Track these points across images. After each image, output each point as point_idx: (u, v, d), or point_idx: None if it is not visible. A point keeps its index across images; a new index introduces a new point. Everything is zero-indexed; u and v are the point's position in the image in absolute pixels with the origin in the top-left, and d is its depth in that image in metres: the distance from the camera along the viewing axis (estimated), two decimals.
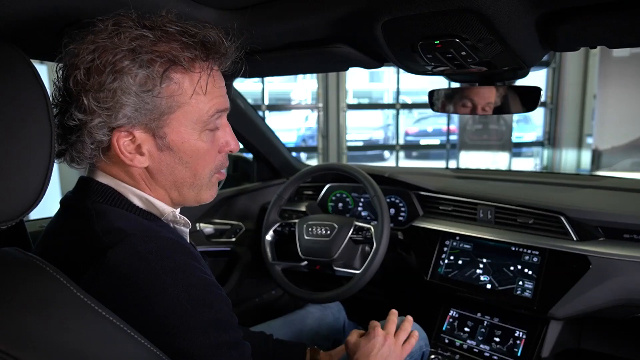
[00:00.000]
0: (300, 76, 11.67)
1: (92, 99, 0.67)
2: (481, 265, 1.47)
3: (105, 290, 0.63)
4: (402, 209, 1.74)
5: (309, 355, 1.21)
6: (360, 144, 10.39)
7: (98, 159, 0.74)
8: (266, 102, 7.27)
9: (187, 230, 0.84)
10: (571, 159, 7.87)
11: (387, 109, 11.32)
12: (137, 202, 0.77)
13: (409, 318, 1.15)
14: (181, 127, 0.74)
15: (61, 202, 0.78)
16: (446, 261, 1.54)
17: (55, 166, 0.65)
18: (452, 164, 7.83)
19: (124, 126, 0.70)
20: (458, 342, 1.47)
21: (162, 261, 0.66)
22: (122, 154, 0.72)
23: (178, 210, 0.84)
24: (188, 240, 0.87)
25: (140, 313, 0.63)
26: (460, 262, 1.51)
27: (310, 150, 8.73)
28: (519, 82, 1.12)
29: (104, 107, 0.67)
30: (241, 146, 1.93)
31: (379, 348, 1.03)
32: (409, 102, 9.85)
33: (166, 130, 0.73)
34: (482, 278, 1.45)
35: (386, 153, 11.18)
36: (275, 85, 13.23)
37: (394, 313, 1.15)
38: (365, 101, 15.78)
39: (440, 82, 5.62)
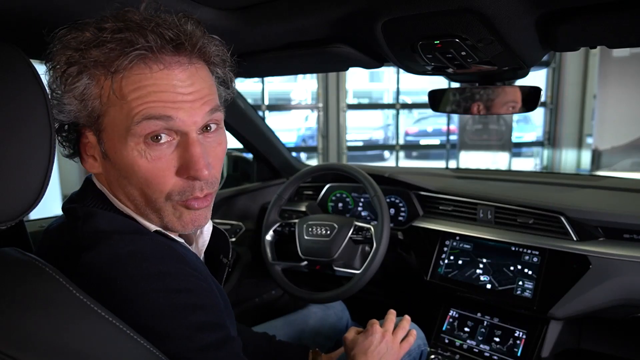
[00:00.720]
0: (300, 76, 11.67)
1: (52, 94, 0.67)
2: (481, 265, 1.47)
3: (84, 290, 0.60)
4: (402, 209, 1.74)
5: (311, 357, 1.21)
6: (360, 144, 10.40)
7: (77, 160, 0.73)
8: (266, 102, 7.28)
9: (182, 240, 0.79)
10: (571, 159, 7.87)
11: (387, 109, 11.32)
12: (125, 206, 0.73)
13: (407, 317, 1.16)
14: (113, 134, 0.66)
15: (62, 204, 0.77)
16: (446, 261, 1.54)
17: (56, 166, 0.65)
18: (452, 164, 7.83)
19: (80, 125, 0.68)
20: (458, 342, 1.47)
21: (142, 265, 0.63)
22: (80, 153, 0.71)
23: None
24: (206, 237, 0.84)
25: (120, 318, 0.60)
26: (460, 262, 1.51)
27: (310, 150, 8.73)
28: (519, 82, 1.12)
29: (57, 102, 0.66)
30: (240, 146, 1.93)
31: (377, 345, 1.04)
32: (409, 102, 9.86)
33: (103, 136, 0.67)
34: (482, 278, 1.45)
35: (386, 153, 11.18)
36: (275, 85, 13.23)
37: (392, 312, 1.15)
38: (365, 101, 15.78)
39: (440, 82, 5.62)
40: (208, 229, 0.87)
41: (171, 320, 0.64)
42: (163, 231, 0.74)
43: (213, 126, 0.72)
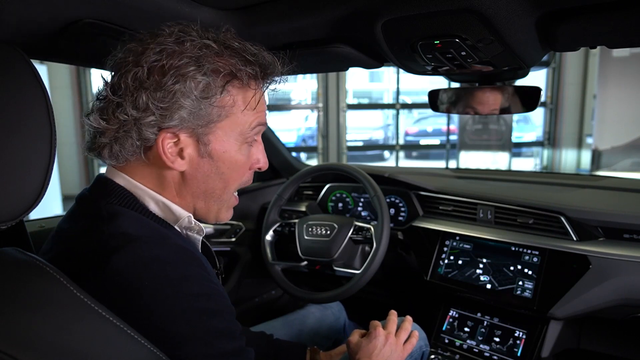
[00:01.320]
0: (300, 76, 11.66)
1: (150, 96, 0.68)
2: (481, 265, 1.47)
3: (107, 295, 0.61)
4: (402, 209, 1.74)
5: (309, 355, 1.21)
6: (360, 144, 10.39)
7: (137, 157, 0.73)
8: (266, 102, 7.27)
9: (200, 238, 0.83)
10: (571, 159, 7.88)
11: (387, 109, 11.32)
12: (152, 206, 0.76)
13: (409, 318, 1.15)
14: (225, 137, 0.76)
15: (77, 199, 0.77)
16: (446, 261, 1.54)
17: (56, 166, 0.65)
18: (452, 164, 7.83)
19: (172, 128, 0.71)
20: (458, 342, 1.47)
21: (165, 269, 0.65)
22: (164, 154, 0.72)
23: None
24: (199, 249, 0.86)
25: (142, 321, 0.62)
26: (460, 262, 1.51)
27: (310, 150, 8.73)
28: (519, 82, 1.12)
29: (161, 106, 0.68)
30: None
31: (381, 348, 1.03)
32: (409, 102, 9.86)
33: (210, 138, 0.74)
34: (482, 278, 1.45)
35: (386, 153, 11.18)
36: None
37: (393, 313, 1.15)
38: (365, 101, 15.78)
39: (440, 82, 5.62)
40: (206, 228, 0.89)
41: (190, 325, 0.65)
42: (193, 223, 0.80)
43: None
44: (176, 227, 0.78)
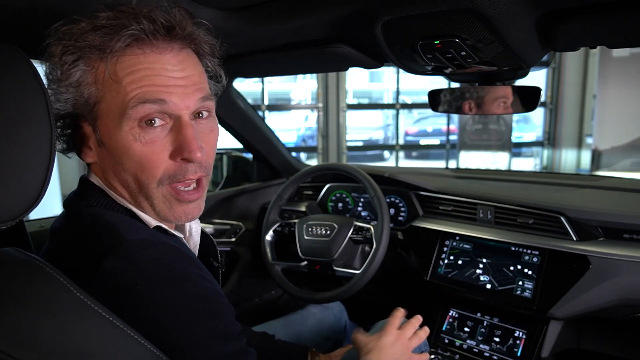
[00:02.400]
0: (300, 76, 11.67)
1: (50, 87, 0.68)
2: (481, 265, 1.47)
3: (99, 297, 0.59)
4: (402, 209, 1.74)
5: (310, 357, 1.21)
6: (360, 144, 10.40)
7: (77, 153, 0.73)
8: (266, 102, 7.28)
9: (182, 235, 0.79)
10: (571, 159, 7.87)
11: (387, 109, 11.32)
12: (125, 196, 0.73)
13: (419, 317, 1.13)
14: (108, 120, 0.67)
15: (63, 204, 0.77)
16: (446, 261, 1.54)
17: (55, 166, 0.65)
18: (452, 164, 7.83)
19: (69, 115, 0.69)
20: (458, 342, 1.47)
21: (160, 270, 0.64)
22: (77, 146, 0.71)
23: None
24: (195, 239, 0.85)
25: (138, 324, 0.60)
26: (460, 262, 1.51)
27: (310, 150, 8.73)
28: (519, 82, 1.12)
29: (57, 94, 0.67)
30: (240, 146, 1.93)
31: (391, 345, 1.01)
32: (409, 102, 9.86)
33: (99, 123, 0.69)
34: (482, 278, 1.45)
35: (386, 153, 11.18)
36: (275, 85, 13.23)
37: (401, 311, 1.12)
38: (365, 101, 15.78)
39: (440, 82, 5.62)
40: (197, 231, 0.86)
41: (188, 327, 0.63)
42: (163, 226, 0.74)
43: (205, 113, 0.74)
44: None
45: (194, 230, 0.86)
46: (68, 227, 0.73)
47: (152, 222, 0.73)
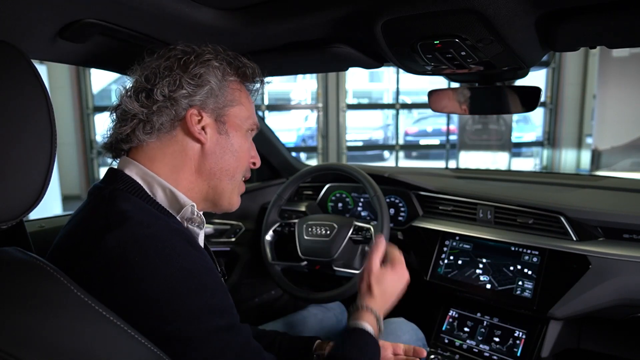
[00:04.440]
0: (300, 76, 11.67)
1: (182, 77, 0.82)
2: (481, 265, 1.47)
3: (100, 272, 0.65)
4: (402, 209, 1.74)
5: (316, 345, 1.18)
6: (360, 144, 10.40)
7: (165, 134, 0.83)
8: (266, 102, 7.29)
9: (200, 232, 0.86)
10: (571, 159, 7.88)
11: (386, 109, 11.32)
12: (159, 193, 0.81)
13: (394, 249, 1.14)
14: (236, 120, 0.90)
15: (89, 190, 0.83)
16: (446, 261, 1.54)
17: (55, 166, 0.65)
18: (452, 164, 7.84)
19: (197, 106, 0.84)
20: (458, 342, 1.47)
21: (156, 244, 0.68)
22: (192, 126, 0.83)
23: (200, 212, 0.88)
24: (201, 243, 0.89)
25: (133, 295, 0.64)
26: (460, 262, 1.51)
27: (310, 150, 8.73)
28: (519, 82, 1.12)
29: (191, 83, 0.82)
30: None
31: (400, 285, 1.07)
32: (409, 102, 9.86)
33: (226, 119, 0.88)
34: (481, 278, 1.45)
35: (386, 153, 11.18)
36: (275, 85, 13.19)
37: (380, 238, 1.13)
38: (365, 101, 15.77)
39: (440, 82, 5.62)
40: (201, 237, 0.90)
41: (182, 300, 0.67)
42: (187, 219, 0.84)
43: None
44: (178, 217, 0.82)
45: (200, 237, 0.90)
46: (86, 209, 0.78)
47: (189, 201, 0.84)
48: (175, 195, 0.82)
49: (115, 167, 0.84)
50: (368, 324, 0.97)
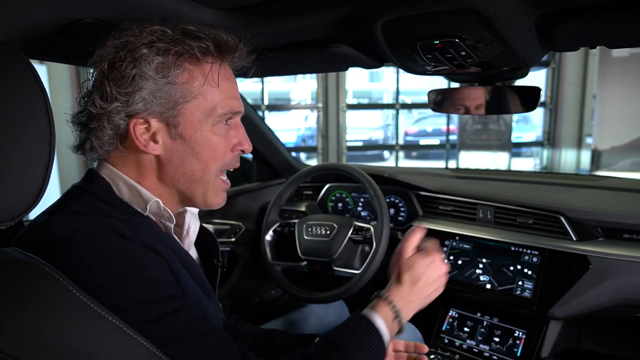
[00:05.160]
0: (300, 76, 11.68)
1: (113, 86, 0.73)
2: (481, 265, 1.47)
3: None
4: (402, 209, 1.74)
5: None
6: (360, 144, 10.40)
7: (115, 147, 0.77)
8: (266, 102, 7.28)
9: (171, 225, 0.83)
10: (571, 159, 7.87)
11: (386, 109, 11.32)
12: (125, 191, 0.79)
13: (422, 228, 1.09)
14: (194, 118, 0.78)
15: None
16: (446, 261, 1.54)
17: (55, 166, 0.65)
18: (452, 164, 7.83)
19: (140, 113, 0.75)
20: (458, 342, 1.47)
21: (86, 240, 0.66)
22: (137, 139, 0.76)
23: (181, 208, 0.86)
24: (191, 237, 0.88)
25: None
26: (460, 262, 1.51)
27: (310, 150, 8.73)
28: (519, 82, 1.12)
29: (123, 92, 0.73)
30: None
31: (435, 276, 0.97)
32: (409, 102, 9.86)
33: (179, 120, 0.77)
34: (481, 278, 1.45)
35: (386, 153, 11.18)
36: (275, 85, 13.23)
37: (420, 228, 1.07)
38: (365, 101, 15.78)
39: (440, 82, 5.62)
40: (194, 230, 0.90)
41: (115, 296, 0.65)
42: (162, 207, 0.80)
43: None
44: (148, 213, 0.80)
45: (191, 230, 0.89)
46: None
47: (152, 197, 0.80)
48: (139, 191, 0.79)
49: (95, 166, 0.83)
50: (379, 317, 0.89)
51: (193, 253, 0.95)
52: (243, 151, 0.86)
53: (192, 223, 0.89)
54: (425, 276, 0.96)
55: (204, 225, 0.96)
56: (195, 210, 0.92)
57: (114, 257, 0.67)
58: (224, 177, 0.87)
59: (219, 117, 0.80)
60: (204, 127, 0.79)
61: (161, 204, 0.80)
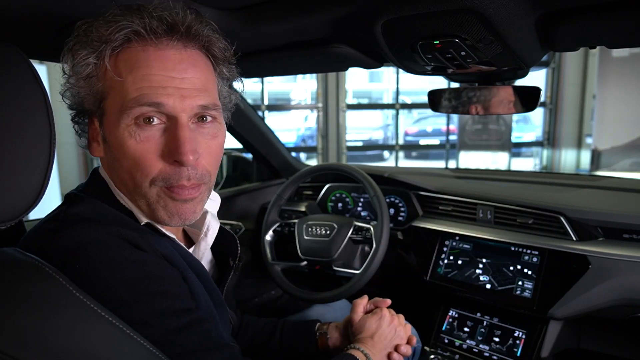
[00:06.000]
0: (300, 76, 11.68)
1: (67, 82, 0.71)
2: (481, 265, 1.47)
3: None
4: (402, 209, 1.74)
5: (319, 327, 1.19)
6: (360, 144, 10.39)
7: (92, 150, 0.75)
8: (266, 102, 7.28)
9: (174, 236, 0.78)
10: (570, 159, 7.88)
11: (386, 109, 11.32)
12: (122, 195, 0.75)
13: (387, 301, 1.14)
14: (111, 116, 0.68)
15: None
16: (446, 261, 1.54)
17: (55, 166, 0.65)
18: (452, 164, 7.83)
19: (83, 112, 0.72)
20: (457, 342, 1.47)
21: (101, 252, 0.64)
22: (88, 140, 0.74)
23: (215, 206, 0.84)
24: (209, 238, 0.85)
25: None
26: (459, 262, 1.51)
27: (310, 150, 8.73)
28: (519, 82, 1.12)
29: (73, 86, 0.70)
30: (240, 146, 1.93)
31: (385, 327, 1.02)
32: (409, 102, 9.86)
33: (104, 119, 0.70)
34: (481, 278, 1.45)
35: (386, 153, 11.18)
36: (275, 85, 13.23)
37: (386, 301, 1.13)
38: (364, 101, 15.78)
39: (440, 82, 5.63)
40: (213, 232, 0.87)
41: (131, 308, 0.64)
42: (154, 224, 0.74)
43: (209, 117, 0.73)
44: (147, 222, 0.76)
45: (210, 232, 0.86)
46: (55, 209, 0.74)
47: (143, 219, 0.74)
48: (132, 210, 0.75)
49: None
50: (356, 354, 0.95)
51: (208, 254, 0.94)
52: (181, 162, 0.68)
53: (212, 225, 0.86)
54: (380, 330, 1.03)
55: (222, 226, 0.93)
56: (215, 210, 0.88)
57: (129, 268, 0.65)
58: (174, 188, 0.71)
59: (131, 115, 0.66)
60: (118, 127, 0.67)
61: (153, 223, 0.74)
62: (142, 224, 0.74)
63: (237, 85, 0.86)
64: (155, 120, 0.68)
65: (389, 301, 1.11)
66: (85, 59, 0.67)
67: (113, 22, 0.66)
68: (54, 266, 0.60)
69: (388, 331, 1.03)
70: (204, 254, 0.87)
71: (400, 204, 1.74)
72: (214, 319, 0.77)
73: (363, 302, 1.10)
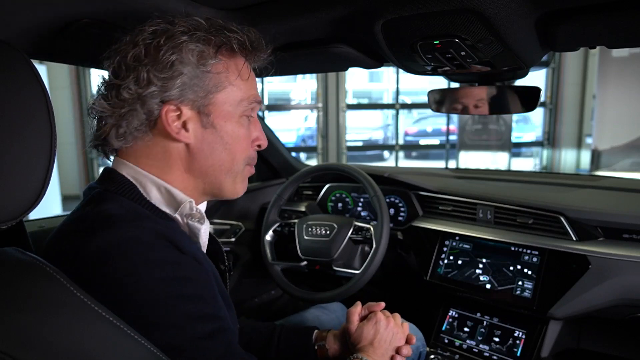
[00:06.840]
0: (300, 76, 11.67)
1: (150, 70, 0.72)
2: (481, 265, 1.47)
3: (83, 274, 0.63)
4: (402, 209, 1.74)
5: (316, 335, 1.19)
6: (360, 144, 10.39)
7: (143, 135, 0.76)
8: (266, 102, 7.29)
9: (202, 226, 0.81)
10: (570, 159, 7.88)
11: (386, 109, 11.32)
12: (154, 193, 0.77)
13: (381, 304, 1.13)
14: (225, 107, 0.79)
15: (83, 191, 0.80)
16: (446, 261, 1.54)
17: (55, 166, 0.65)
18: (452, 164, 7.84)
19: (173, 100, 0.74)
20: (457, 342, 1.47)
21: (140, 249, 0.66)
22: (168, 126, 0.75)
23: (204, 205, 0.87)
24: (204, 239, 0.86)
25: (114, 300, 0.62)
26: (459, 262, 1.51)
27: (310, 150, 8.73)
28: (519, 82, 1.12)
29: (161, 76, 0.72)
30: None
31: (383, 332, 1.02)
32: (409, 102, 9.86)
33: (211, 109, 0.78)
34: (481, 278, 1.45)
35: (386, 153, 11.18)
36: (275, 85, 13.22)
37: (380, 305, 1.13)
38: (364, 101, 15.77)
39: (440, 82, 5.63)
40: (206, 231, 0.87)
41: (166, 309, 0.66)
42: (191, 205, 0.79)
43: None
44: (177, 215, 0.79)
45: (202, 231, 0.86)
46: (76, 211, 0.75)
47: (185, 198, 0.79)
48: (170, 192, 0.78)
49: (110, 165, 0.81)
50: None
51: None
52: (259, 146, 0.87)
53: (203, 225, 0.87)
54: (379, 335, 1.03)
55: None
56: (203, 209, 0.91)
57: (166, 269, 0.67)
58: (249, 166, 0.88)
59: (244, 110, 0.81)
60: (232, 118, 0.80)
61: (194, 205, 0.80)
62: (179, 209, 0.78)
63: None
64: (253, 116, 0.85)
65: (382, 304, 1.10)
66: (215, 56, 0.76)
67: (239, 33, 0.78)
68: (91, 266, 0.62)
69: (386, 334, 1.03)
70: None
71: (400, 204, 1.74)
72: (235, 328, 0.79)
73: (357, 310, 1.09)
